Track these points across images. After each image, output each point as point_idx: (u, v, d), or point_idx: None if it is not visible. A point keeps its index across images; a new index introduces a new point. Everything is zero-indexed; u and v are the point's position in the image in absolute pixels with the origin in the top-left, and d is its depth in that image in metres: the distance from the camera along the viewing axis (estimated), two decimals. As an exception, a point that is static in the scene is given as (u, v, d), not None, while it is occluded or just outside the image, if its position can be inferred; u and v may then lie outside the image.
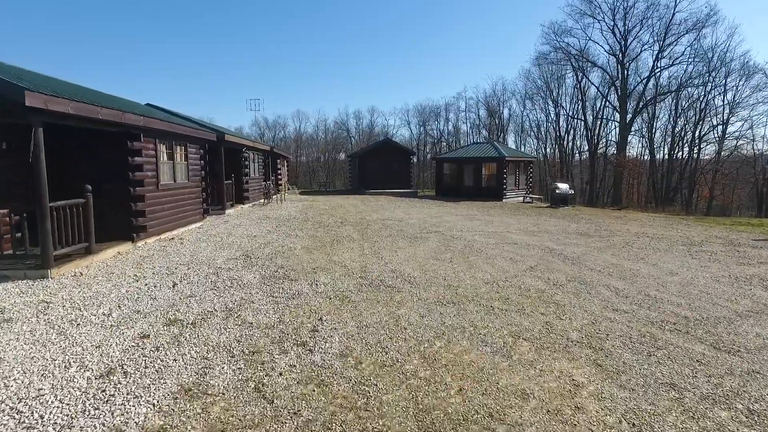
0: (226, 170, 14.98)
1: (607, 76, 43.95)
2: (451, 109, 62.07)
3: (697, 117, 41.41)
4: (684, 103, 42.62)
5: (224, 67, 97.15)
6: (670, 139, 44.45)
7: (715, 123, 39.96)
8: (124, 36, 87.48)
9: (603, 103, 45.81)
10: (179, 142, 10.48)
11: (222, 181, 13.97)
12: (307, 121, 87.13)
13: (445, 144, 60.56)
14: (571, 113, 49.61)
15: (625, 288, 6.38)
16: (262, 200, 19.13)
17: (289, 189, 27.70)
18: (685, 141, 43.36)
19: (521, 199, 25.34)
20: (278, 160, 24.40)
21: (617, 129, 46.68)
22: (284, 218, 13.72)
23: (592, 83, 45.14)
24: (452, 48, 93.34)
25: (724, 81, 38.81)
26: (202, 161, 11.90)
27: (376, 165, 28.94)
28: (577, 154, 52.71)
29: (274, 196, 21.46)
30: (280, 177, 24.70)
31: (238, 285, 6.06)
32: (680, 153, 43.60)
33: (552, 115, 51.75)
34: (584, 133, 49.40)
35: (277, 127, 71.28)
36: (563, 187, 22.19)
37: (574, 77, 47.10)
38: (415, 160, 59.55)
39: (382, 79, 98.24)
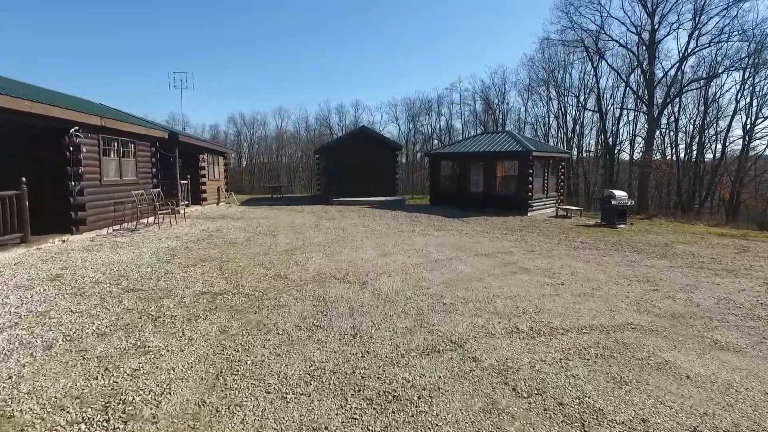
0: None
1: (629, 60, 37.17)
2: (444, 102, 54.69)
3: (735, 107, 34.67)
4: (714, 91, 35.97)
5: (213, 66, 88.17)
6: (697, 135, 37.71)
7: (753, 114, 33.26)
8: (122, 36, 78.94)
9: (624, 91, 38.97)
10: None
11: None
12: (288, 119, 78.86)
13: (437, 142, 53.24)
14: (581, 105, 42.61)
15: None
16: (145, 221, 11.41)
17: (225, 197, 19.95)
18: (716, 137, 36.73)
19: (552, 211, 18.01)
20: (201, 156, 16.67)
21: (642, 122, 40.04)
22: (82, 285, 6.05)
23: (612, 68, 38.21)
24: (447, 38, 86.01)
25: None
26: None
27: (350, 163, 21.35)
28: (585, 153, 45.88)
29: (182, 210, 13.73)
30: (204, 181, 16.94)
31: None
32: (708, 151, 37.01)
33: (555, 108, 44.72)
34: (599, 127, 42.55)
35: (255, 125, 63.46)
36: (620, 195, 14.92)
37: (588, 62, 40.14)
38: (403, 160, 52.23)
39: (367, 71, 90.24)
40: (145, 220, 11.39)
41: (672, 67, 34.48)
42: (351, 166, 21.37)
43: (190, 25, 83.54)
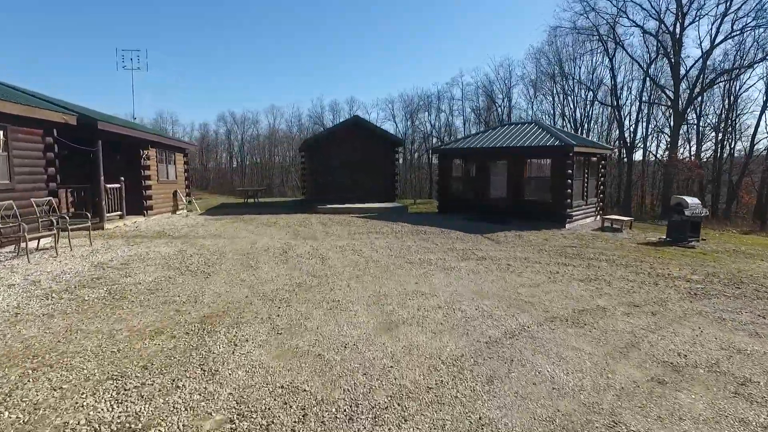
0: None
1: (648, 50, 33.56)
2: (444, 98, 50.74)
3: (765, 101, 31.14)
4: (740, 85, 32.56)
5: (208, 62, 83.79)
6: (721, 132, 34.25)
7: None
8: (122, 36, 74.66)
9: (642, 84, 35.34)
10: None
11: None
12: (281, 117, 74.71)
13: (436, 140, 49.43)
14: (594, 97, 38.92)
15: None
16: (24, 245, 7.57)
17: (185, 204, 16.08)
18: (739, 134, 33.40)
19: (593, 221, 14.36)
20: (144, 152, 12.81)
21: (655, 117, 36.64)
22: None
23: (632, 57, 34.57)
24: (447, 38, 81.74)
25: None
26: None
27: (340, 161, 17.63)
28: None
29: (108, 224, 9.89)
30: (149, 185, 13.07)
31: None
32: (733, 150, 33.60)
33: (563, 103, 41.00)
34: (610, 122, 39.03)
35: (246, 123, 59.43)
36: (693, 203, 11.31)
37: (601, 54, 36.48)
38: (401, 160, 48.33)
39: (368, 71, 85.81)
40: (24, 245, 7.57)
41: (701, 57, 30.91)
42: (341, 165, 17.61)
43: (190, 25, 79.69)
